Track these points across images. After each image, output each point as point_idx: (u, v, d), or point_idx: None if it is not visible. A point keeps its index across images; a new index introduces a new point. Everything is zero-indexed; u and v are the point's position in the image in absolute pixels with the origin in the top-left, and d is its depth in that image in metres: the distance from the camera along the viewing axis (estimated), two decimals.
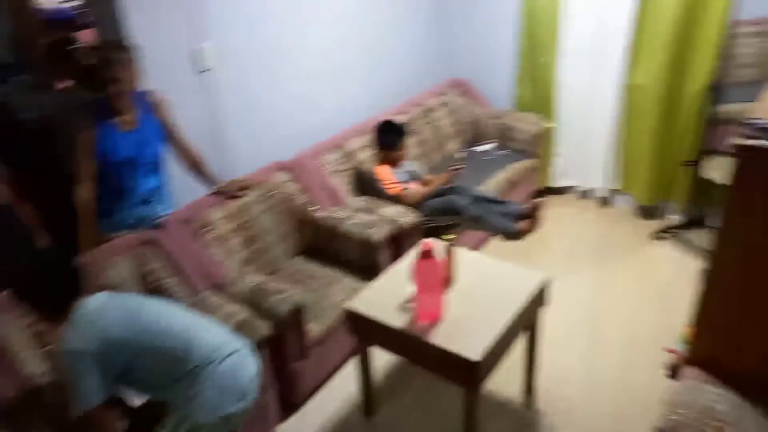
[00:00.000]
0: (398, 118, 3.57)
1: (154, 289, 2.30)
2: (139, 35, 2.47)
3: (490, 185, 3.56)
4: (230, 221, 2.69)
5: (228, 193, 2.73)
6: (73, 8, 3.77)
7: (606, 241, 3.71)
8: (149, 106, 2.44)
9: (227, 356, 1.85)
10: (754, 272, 1.98)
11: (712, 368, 2.17)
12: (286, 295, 2.34)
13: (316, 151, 3.19)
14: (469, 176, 3.58)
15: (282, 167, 3.01)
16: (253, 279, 2.48)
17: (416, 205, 3.18)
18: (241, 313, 2.24)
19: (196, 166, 2.62)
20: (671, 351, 2.60)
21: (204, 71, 2.77)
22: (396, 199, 3.16)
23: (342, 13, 3.44)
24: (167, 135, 2.50)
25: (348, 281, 2.74)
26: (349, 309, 2.26)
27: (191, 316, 1.94)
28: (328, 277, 2.77)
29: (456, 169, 3.40)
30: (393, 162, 3.39)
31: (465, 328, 2.08)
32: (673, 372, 2.50)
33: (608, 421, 2.39)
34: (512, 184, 3.74)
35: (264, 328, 2.20)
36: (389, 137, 3.41)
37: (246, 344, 1.97)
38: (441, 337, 2.06)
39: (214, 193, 2.72)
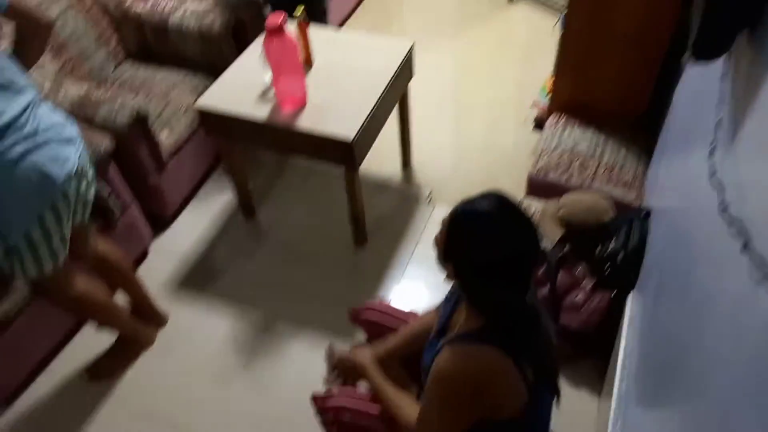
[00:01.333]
0: None
1: None
2: None
3: None
4: None
5: None
6: None
7: (464, 9, 3.57)
8: None
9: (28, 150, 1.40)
10: (601, 16, 1.97)
11: (572, 112, 2.25)
12: (121, 103, 1.98)
13: None
14: None
15: None
16: (74, 90, 2.05)
17: None
18: None
19: None
20: (536, 105, 2.67)
21: None
22: None
23: None
24: None
25: (192, 81, 2.38)
26: (201, 108, 1.97)
27: None
28: (167, 81, 2.37)
29: None
30: None
31: (334, 109, 1.92)
32: (539, 123, 2.59)
33: (483, 180, 2.47)
34: None
35: (104, 141, 1.88)
36: None
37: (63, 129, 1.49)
38: (310, 122, 1.88)
39: None
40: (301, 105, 1.95)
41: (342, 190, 2.06)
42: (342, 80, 2.02)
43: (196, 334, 2.03)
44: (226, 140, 2.11)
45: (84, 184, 1.57)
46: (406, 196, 2.45)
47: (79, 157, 1.53)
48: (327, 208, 2.40)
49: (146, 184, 2.16)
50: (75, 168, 1.50)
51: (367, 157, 1.98)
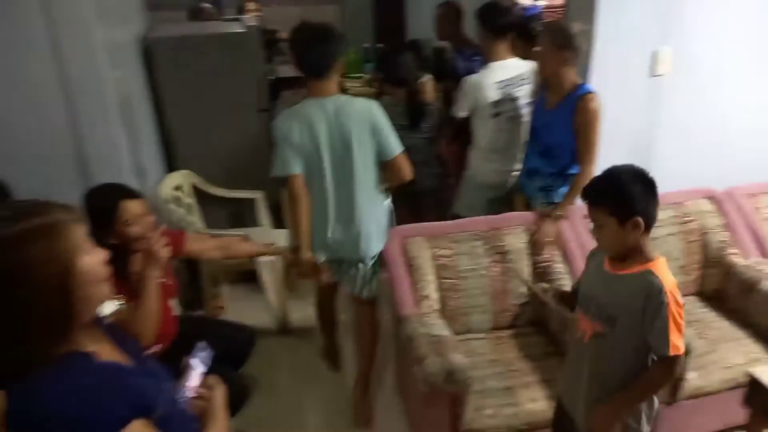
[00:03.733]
0: None
1: (542, 269, 2.39)
2: (603, 30, 2.47)
3: None
4: None
5: None
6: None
7: None
8: (575, 100, 2.29)
9: None
10: None
11: None
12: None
13: (754, 190, 2.70)
14: None
15: (708, 196, 2.63)
16: None
17: None
18: None
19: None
20: None
21: (656, 76, 2.62)
22: None
23: None
24: (573, 135, 2.33)
25: (750, 346, 2.27)
26: (753, 376, 1.85)
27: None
28: (724, 332, 2.35)
29: None
30: None
31: None
32: None
33: None
34: None
35: None
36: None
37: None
38: None
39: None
40: None
41: None
42: None
43: None
44: (760, 417, 1.90)
45: None
46: None
47: None
48: None
49: None
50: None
51: None
